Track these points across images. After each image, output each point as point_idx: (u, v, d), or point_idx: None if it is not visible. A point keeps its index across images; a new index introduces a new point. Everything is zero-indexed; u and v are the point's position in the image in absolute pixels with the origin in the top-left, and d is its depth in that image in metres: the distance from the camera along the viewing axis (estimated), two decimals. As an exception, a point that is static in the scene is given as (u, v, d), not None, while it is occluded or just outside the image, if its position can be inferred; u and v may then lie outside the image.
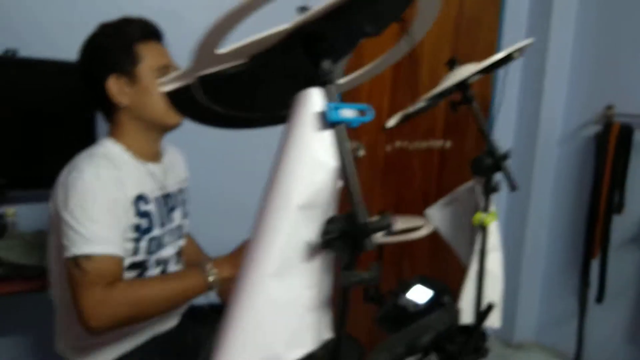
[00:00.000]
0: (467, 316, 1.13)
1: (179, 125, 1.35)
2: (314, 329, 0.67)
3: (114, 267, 1.18)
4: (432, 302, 1.31)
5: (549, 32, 2.56)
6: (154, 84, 1.29)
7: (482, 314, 1.02)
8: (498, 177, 1.13)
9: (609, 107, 2.44)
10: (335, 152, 0.62)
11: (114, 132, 1.33)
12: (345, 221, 0.62)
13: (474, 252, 1.14)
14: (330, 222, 0.63)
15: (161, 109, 1.31)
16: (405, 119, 1.24)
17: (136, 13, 1.32)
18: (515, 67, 2.67)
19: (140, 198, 1.27)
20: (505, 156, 1.07)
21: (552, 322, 2.77)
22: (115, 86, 1.27)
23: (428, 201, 2.57)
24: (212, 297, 1.48)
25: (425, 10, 0.64)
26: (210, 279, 1.19)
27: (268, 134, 0.87)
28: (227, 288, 1.22)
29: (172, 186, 1.44)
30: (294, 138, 0.62)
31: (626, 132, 2.33)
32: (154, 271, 1.34)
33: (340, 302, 0.64)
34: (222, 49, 0.58)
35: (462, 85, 1.07)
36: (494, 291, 1.18)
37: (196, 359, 1.44)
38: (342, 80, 0.80)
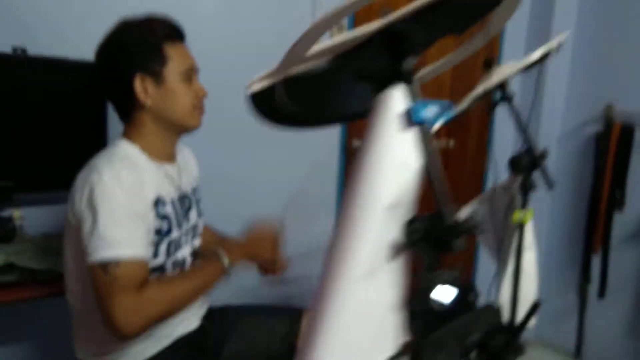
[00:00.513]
0: (505, 314, 1.12)
1: (198, 128, 1.33)
2: (396, 332, 0.65)
3: (143, 271, 1.16)
4: (457, 301, 1.30)
5: (550, 31, 2.59)
6: (180, 86, 1.27)
7: (529, 312, 1.01)
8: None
9: (609, 106, 2.48)
10: (419, 152, 0.61)
11: (131, 133, 1.29)
12: (431, 221, 0.61)
13: (511, 251, 1.13)
14: (414, 222, 0.61)
15: (184, 111, 1.29)
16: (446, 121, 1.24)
17: (149, 10, 1.29)
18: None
19: (159, 201, 1.25)
20: (543, 155, 1.07)
21: (552, 318, 2.80)
22: (140, 86, 1.23)
23: (432, 201, 2.59)
24: (227, 299, 1.46)
25: (505, 6, 0.63)
26: (226, 263, 1.26)
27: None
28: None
29: (186, 186, 1.42)
30: (378, 139, 0.60)
31: (627, 131, 2.37)
32: (171, 273, 1.31)
33: (420, 304, 0.63)
34: (313, 49, 0.56)
35: (501, 84, 1.07)
36: (528, 289, 1.18)
37: (218, 359, 1.42)
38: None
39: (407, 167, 0.61)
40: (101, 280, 1.10)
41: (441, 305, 1.30)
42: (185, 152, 1.49)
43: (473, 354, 1.11)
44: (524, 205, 1.08)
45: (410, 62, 0.61)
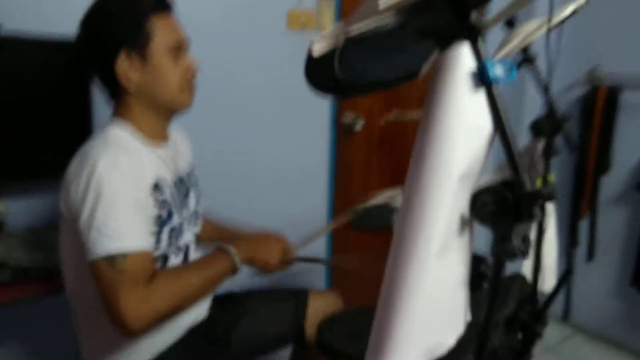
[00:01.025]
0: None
1: (190, 108, 1.25)
2: (464, 310, 0.62)
3: (150, 263, 1.10)
4: (471, 273, 1.29)
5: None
6: (167, 63, 1.18)
7: (560, 280, 1.00)
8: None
9: (594, 69, 2.48)
10: (490, 114, 0.56)
11: (121, 114, 1.20)
12: (504, 190, 0.56)
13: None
14: (486, 191, 0.57)
15: (174, 91, 1.20)
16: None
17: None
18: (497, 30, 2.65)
19: (157, 186, 1.17)
20: (566, 118, 1.04)
21: (541, 282, 2.84)
22: (124, 64, 1.14)
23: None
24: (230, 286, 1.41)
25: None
26: (236, 260, 1.22)
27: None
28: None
29: (183, 169, 1.34)
30: (447, 101, 0.55)
31: (613, 94, 2.39)
32: (175, 260, 1.25)
33: (493, 277, 0.59)
34: (382, 2, 0.50)
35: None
36: (549, 256, 1.16)
37: (229, 347, 1.39)
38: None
39: (479, 131, 0.56)
40: (107, 275, 1.03)
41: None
42: (177, 134, 1.40)
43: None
44: (546, 170, 1.05)
45: (474, 17, 0.56)
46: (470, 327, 0.72)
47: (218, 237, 1.52)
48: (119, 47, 1.13)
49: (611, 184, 2.48)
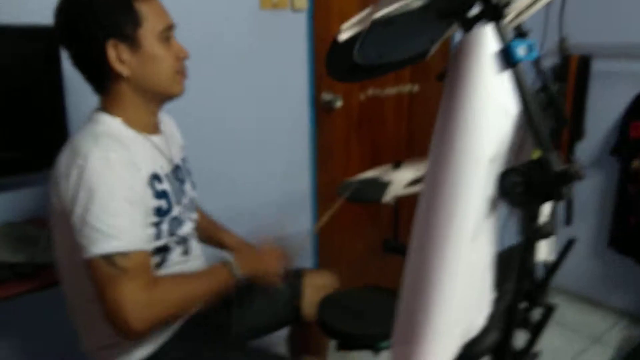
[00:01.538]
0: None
1: (182, 94, 1.22)
2: (491, 290, 0.62)
3: (149, 262, 1.07)
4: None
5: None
6: (159, 49, 1.13)
7: (564, 250, 1.02)
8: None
9: (563, 39, 2.51)
10: (516, 95, 0.56)
11: (110, 105, 1.15)
12: (532, 171, 0.57)
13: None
14: (513, 172, 0.57)
15: (166, 78, 1.16)
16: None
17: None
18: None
19: (154, 177, 1.14)
20: (559, 90, 1.05)
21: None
22: (113, 53, 1.09)
23: (401, 147, 2.58)
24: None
25: None
26: (237, 274, 1.20)
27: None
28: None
29: (176, 157, 1.31)
30: (474, 83, 0.54)
31: (584, 63, 2.43)
32: (175, 252, 1.23)
33: (523, 257, 0.60)
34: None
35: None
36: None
37: (229, 331, 1.41)
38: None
39: (506, 113, 0.56)
40: (105, 274, 1.00)
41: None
42: (166, 119, 1.36)
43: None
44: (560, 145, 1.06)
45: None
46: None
47: (207, 235, 1.51)
48: (107, 36, 1.08)
49: (586, 149, 2.55)
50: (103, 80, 1.14)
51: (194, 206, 1.36)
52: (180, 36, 1.22)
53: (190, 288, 1.13)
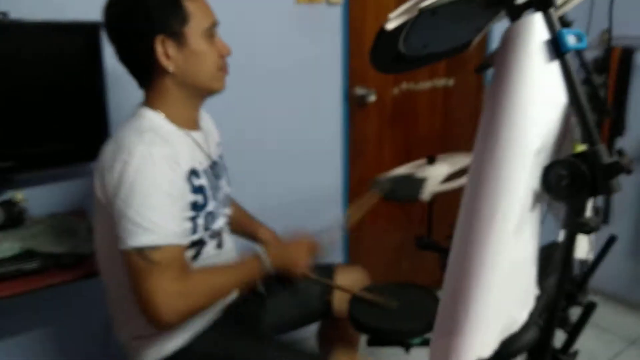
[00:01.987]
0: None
1: (223, 90, 1.23)
2: (534, 284, 0.61)
3: (182, 257, 1.09)
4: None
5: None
6: (204, 46, 1.15)
7: (604, 247, 0.99)
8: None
9: (605, 32, 2.44)
10: (565, 85, 0.55)
11: (153, 100, 1.18)
12: (579, 163, 0.55)
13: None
14: (558, 165, 0.56)
15: (210, 74, 1.18)
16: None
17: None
18: None
19: (192, 172, 1.16)
20: (602, 84, 1.01)
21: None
22: (160, 49, 1.11)
23: (435, 142, 2.55)
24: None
25: None
26: (266, 266, 1.23)
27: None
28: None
29: (214, 153, 1.33)
30: (521, 74, 0.53)
31: (627, 55, 2.36)
32: (210, 245, 1.25)
33: (566, 253, 0.58)
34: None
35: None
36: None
37: (261, 325, 1.42)
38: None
39: (554, 104, 0.54)
40: (138, 266, 1.02)
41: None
42: (204, 116, 1.38)
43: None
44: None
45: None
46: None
47: (241, 227, 1.52)
48: (156, 31, 1.10)
49: (626, 146, 2.47)
50: (148, 75, 1.16)
51: (228, 202, 1.38)
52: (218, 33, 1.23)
53: (221, 280, 1.16)
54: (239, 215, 1.52)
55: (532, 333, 0.63)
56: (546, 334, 0.61)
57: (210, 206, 1.21)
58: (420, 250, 1.62)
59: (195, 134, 1.24)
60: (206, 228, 1.20)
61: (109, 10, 1.13)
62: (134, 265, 1.03)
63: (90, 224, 1.46)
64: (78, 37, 1.46)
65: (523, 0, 0.53)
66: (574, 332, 0.83)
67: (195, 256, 1.20)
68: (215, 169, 1.29)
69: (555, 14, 0.54)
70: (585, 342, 2.31)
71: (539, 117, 0.53)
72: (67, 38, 1.45)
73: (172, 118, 1.17)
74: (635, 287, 2.58)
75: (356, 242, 2.35)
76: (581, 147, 1.08)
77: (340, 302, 1.51)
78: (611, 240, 0.99)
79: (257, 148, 2.00)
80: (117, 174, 1.03)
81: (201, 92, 1.21)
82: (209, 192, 1.21)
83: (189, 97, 1.19)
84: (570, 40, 0.54)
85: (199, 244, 1.20)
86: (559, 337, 0.94)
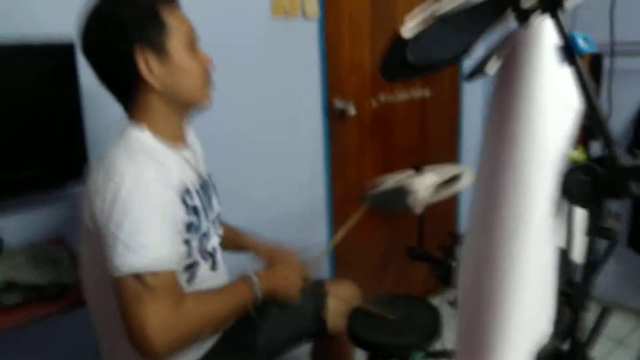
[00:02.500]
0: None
1: (210, 105, 1.21)
2: (554, 294, 0.60)
3: (177, 283, 1.05)
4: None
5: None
6: (186, 59, 1.12)
7: (607, 250, 0.99)
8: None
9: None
10: (578, 88, 0.54)
11: (138, 117, 1.14)
12: (597, 167, 0.54)
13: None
14: (579, 171, 0.55)
15: (196, 89, 1.15)
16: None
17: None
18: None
19: (186, 192, 1.12)
20: (595, 90, 1.03)
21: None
22: (143, 64, 1.07)
23: (414, 153, 2.56)
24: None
25: None
26: (258, 292, 1.19)
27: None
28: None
29: (203, 171, 1.29)
30: (534, 78, 0.52)
31: (596, 61, 2.41)
32: (204, 267, 1.21)
33: (587, 256, 0.57)
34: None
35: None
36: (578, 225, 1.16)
37: (256, 347, 1.37)
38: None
39: (570, 109, 0.54)
40: (132, 291, 0.97)
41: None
42: (189, 132, 1.35)
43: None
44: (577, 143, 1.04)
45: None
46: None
47: (231, 242, 1.48)
48: (134, 49, 1.06)
49: (599, 148, 2.51)
50: (132, 93, 1.12)
51: (219, 221, 1.34)
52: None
53: (213, 309, 1.11)
54: (226, 231, 1.49)
55: (555, 343, 0.62)
56: (574, 343, 0.60)
57: (204, 227, 1.18)
58: (412, 261, 1.61)
59: (185, 152, 1.20)
60: (200, 250, 1.17)
61: (86, 31, 1.09)
62: (127, 290, 0.97)
63: (71, 252, 1.40)
64: (50, 58, 1.41)
65: (531, 3, 0.53)
66: (589, 338, 0.82)
67: (190, 279, 1.16)
68: (206, 187, 1.25)
69: (564, 16, 0.53)
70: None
71: (557, 121, 0.52)
72: (39, 60, 1.40)
73: (160, 134, 1.13)
74: (617, 288, 2.61)
75: (342, 254, 2.33)
76: (575, 154, 1.09)
77: (335, 319, 1.48)
78: (612, 244, 0.99)
79: (237, 163, 1.97)
80: (110, 197, 0.99)
81: (187, 106, 1.18)
82: (202, 213, 1.17)
83: (175, 112, 1.16)
84: (582, 42, 0.54)
85: (193, 267, 1.16)
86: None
